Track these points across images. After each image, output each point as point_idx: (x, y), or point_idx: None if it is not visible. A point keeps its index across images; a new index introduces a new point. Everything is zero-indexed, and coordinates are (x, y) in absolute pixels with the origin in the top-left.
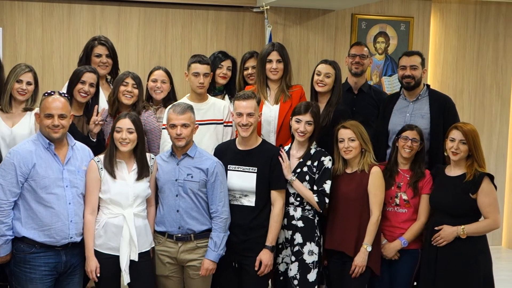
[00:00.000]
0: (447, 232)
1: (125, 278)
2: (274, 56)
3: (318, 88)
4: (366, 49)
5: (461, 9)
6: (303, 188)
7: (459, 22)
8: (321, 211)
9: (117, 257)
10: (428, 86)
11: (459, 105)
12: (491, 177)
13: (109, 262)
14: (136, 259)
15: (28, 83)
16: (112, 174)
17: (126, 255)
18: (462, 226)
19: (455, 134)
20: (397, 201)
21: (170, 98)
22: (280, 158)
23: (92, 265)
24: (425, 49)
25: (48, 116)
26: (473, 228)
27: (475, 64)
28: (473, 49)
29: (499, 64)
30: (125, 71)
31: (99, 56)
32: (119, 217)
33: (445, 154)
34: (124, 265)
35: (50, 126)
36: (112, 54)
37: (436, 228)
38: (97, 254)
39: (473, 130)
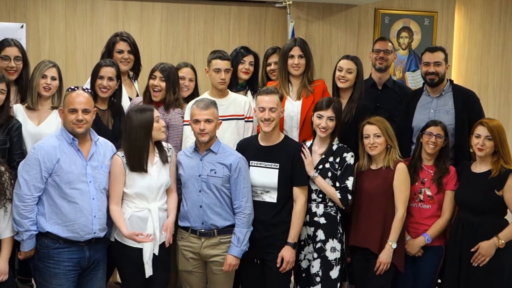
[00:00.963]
0: (485, 248)
1: (147, 270)
2: (296, 51)
3: (339, 84)
4: (390, 44)
5: (485, 3)
6: (325, 184)
7: (484, 17)
8: (344, 208)
9: (140, 250)
10: (451, 81)
11: (483, 101)
12: None
13: (133, 254)
14: (157, 253)
15: (53, 78)
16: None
17: (150, 248)
18: (498, 236)
19: (481, 130)
20: (421, 197)
21: (194, 95)
22: (302, 155)
23: (127, 231)
24: (449, 44)
25: (72, 111)
26: (507, 233)
27: (500, 59)
28: (498, 44)
29: None
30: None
31: (121, 52)
32: (144, 210)
33: (471, 150)
34: (147, 258)
35: (74, 121)
36: (134, 50)
37: (472, 250)
38: (121, 246)
39: (499, 126)
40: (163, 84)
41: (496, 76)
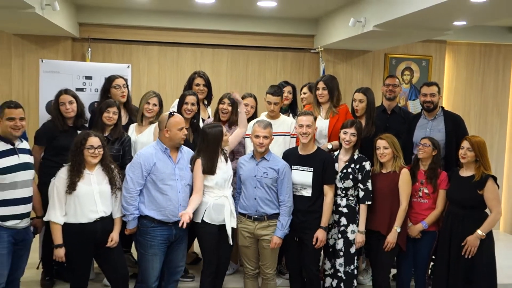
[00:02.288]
0: (471, 241)
1: (230, 240)
2: (320, 85)
3: (356, 112)
4: (397, 80)
5: (469, 49)
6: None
7: (468, 60)
8: (370, 202)
9: (219, 226)
10: (443, 108)
11: (467, 122)
12: (495, 178)
13: (215, 230)
14: (235, 226)
15: (154, 105)
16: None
17: (229, 224)
18: (479, 230)
19: (464, 143)
20: (420, 193)
21: (253, 117)
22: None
23: (186, 216)
24: (441, 80)
25: (180, 129)
26: (486, 226)
27: (480, 91)
28: (478, 80)
29: (499, 92)
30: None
31: (198, 85)
32: (222, 198)
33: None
34: (230, 231)
35: (183, 136)
36: (208, 84)
37: (462, 244)
38: (207, 226)
39: (480, 141)
40: (230, 108)
41: (477, 104)
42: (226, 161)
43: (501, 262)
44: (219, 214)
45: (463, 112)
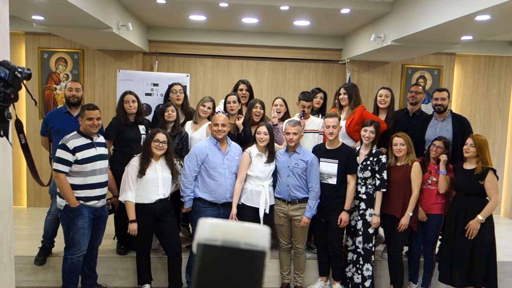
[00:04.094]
0: (473, 225)
1: (261, 222)
2: (342, 91)
3: (380, 106)
4: (420, 88)
5: (475, 60)
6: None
7: (474, 69)
8: (385, 190)
9: (256, 209)
10: (451, 110)
11: (473, 124)
12: (494, 170)
13: (251, 211)
14: (268, 212)
15: (208, 108)
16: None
17: (263, 208)
18: (479, 215)
19: (468, 140)
20: (429, 182)
21: (286, 115)
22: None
23: (233, 212)
24: (450, 86)
25: (216, 125)
26: (485, 212)
27: (484, 97)
28: (483, 87)
29: (501, 97)
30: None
31: (241, 90)
32: (260, 186)
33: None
34: (262, 215)
35: (216, 130)
36: (250, 89)
37: (465, 228)
38: (245, 207)
39: (482, 139)
40: (261, 111)
41: (482, 107)
42: (269, 160)
43: (502, 242)
44: (255, 199)
45: (470, 114)
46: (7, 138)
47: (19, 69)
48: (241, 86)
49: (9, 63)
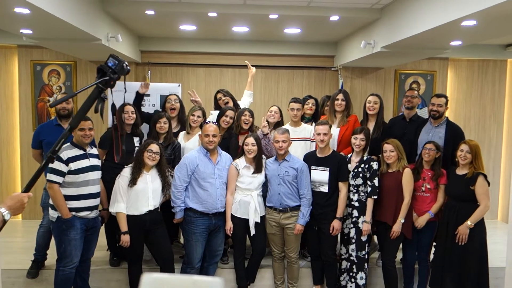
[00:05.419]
0: (462, 230)
1: (252, 231)
2: (340, 96)
3: (369, 112)
4: (415, 92)
5: (469, 65)
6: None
7: (467, 74)
8: (376, 197)
9: (246, 220)
10: (447, 118)
11: (467, 128)
12: (485, 176)
13: (241, 222)
14: (259, 221)
15: (198, 117)
16: (245, 172)
17: (253, 218)
18: (468, 221)
19: (463, 146)
20: (423, 188)
21: (280, 124)
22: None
23: (228, 225)
24: (444, 91)
25: (206, 135)
26: (474, 217)
27: (479, 101)
28: (476, 91)
29: (495, 101)
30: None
31: (220, 99)
32: (248, 196)
33: (456, 159)
34: (252, 224)
35: (207, 141)
36: (229, 95)
37: (455, 233)
38: (234, 218)
39: (476, 145)
40: (251, 119)
41: (476, 112)
42: (256, 171)
43: (498, 247)
44: (244, 210)
45: (464, 119)
46: (101, 116)
47: (125, 64)
48: (219, 95)
49: (118, 57)
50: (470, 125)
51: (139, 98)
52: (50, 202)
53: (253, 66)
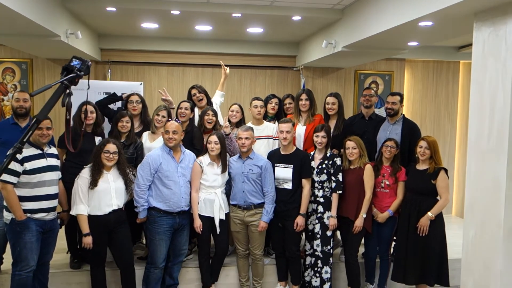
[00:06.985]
0: (423, 221)
1: (218, 229)
2: (303, 96)
3: (329, 112)
4: (372, 91)
5: (424, 66)
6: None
7: (423, 74)
8: (341, 192)
9: (211, 218)
10: (403, 115)
11: (423, 126)
12: (446, 170)
13: (206, 221)
14: (224, 218)
15: (163, 116)
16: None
17: (218, 216)
18: (429, 212)
19: (422, 143)
20: (382, 185)
21: (241, 122)
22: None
23: (197, 223)
24: (401, 91)
25: (167, 132)
26: (436, 209)
27: (434, 101)
28: (432, 91)
29: (449, 100)
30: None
31: (195, 95)
32: (213, 194)
33: (416, 155)
34: (217, 222)
35: (167, 138)
36: (203, 92)
37: (417, 225)
38: (200, 217)
39: (433, 141)
40: (214, 118)
41: (431, 110)
42: (224, 168)
43: (454, 240)
44: (209, 208)
45: (420, 117)
46: (68, 111)
47: (89, 63)
48: (193, 91)
49: (81, 57)
50: (426, 123)
51: (116, 99)
52: (5, 203)
53: (216, 65)
